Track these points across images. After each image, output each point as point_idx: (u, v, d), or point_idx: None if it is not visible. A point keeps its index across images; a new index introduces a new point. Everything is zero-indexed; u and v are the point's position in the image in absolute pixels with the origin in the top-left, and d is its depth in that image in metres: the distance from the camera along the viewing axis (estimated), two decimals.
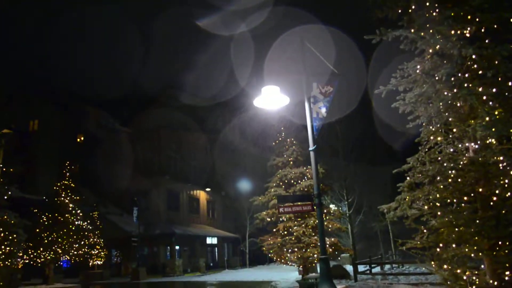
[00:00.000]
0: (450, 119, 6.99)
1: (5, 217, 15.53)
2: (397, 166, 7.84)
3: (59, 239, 19.98)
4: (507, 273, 5.99)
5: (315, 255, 14.54)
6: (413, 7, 7.12)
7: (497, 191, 6.23)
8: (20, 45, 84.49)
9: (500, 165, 6.27)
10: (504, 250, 6.02)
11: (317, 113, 9.42)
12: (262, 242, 16.65)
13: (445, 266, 6.58)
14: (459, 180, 6.53)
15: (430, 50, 6.97)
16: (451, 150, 7.06)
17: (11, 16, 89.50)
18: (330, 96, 9.44)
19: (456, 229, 6.34)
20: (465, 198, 6.58)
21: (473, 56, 6.48)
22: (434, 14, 6.85)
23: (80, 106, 37.77)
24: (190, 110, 37.17)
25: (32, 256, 19.41)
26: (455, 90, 6.63)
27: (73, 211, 21.43)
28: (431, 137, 7.29)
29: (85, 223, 22.01)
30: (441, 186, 6.72)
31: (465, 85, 6.54)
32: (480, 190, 6.36)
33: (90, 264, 23.21)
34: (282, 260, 15.95)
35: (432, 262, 6.77)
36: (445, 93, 6.78)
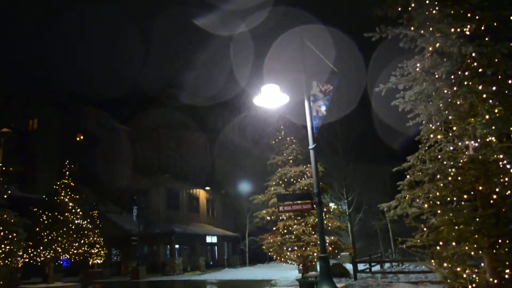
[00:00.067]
0: (450, 117, 6.98)
1: (5, 216, 15.51)
2: (396, 164, 7.84)
3: (59, 238, 19.97)
4: (507, 271, 6.00)
5: (315, 254, 14.54)
6: (412, 5, 7.11)
7: (497, 189, 6.23)
8: (20, 45, 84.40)
9: (500, 163, 6.27)
10: (504, 248, 6.02)
11: (317, 111, 9.41)
12: (262, 240, 16.65)
13: (445, 264, 6.58)
14: (459, 178, 6.54)
15: (430, 48, 6.96)
16: (451, 148, 7.06)
17: (11, 16, 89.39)
18: (330, 95, 9.43)
19: (456, 227, 6.35)
20: (465, 196, 6.59)
21: (473, 54, 6.48)
22: (434, 12, 6.85)
23: (80, 105, 37.77)
24: (190, 109, 37.16)
25: (32, 255, 19.40)
26: (455, 88, 6.62)
27: (73, 210, 21.40)
28: (431, 135, 7.29)
29: (85, 222, 21.99)
30: (441, 184, 6.72)
31: (465, 83, 6.54)
32: (480, 188, 6.36)
33: (90, 263, 23.19)
34: (282, 259, 15.95)
35: (432, 260, 6.77)
36: (445, 91, 6.77)
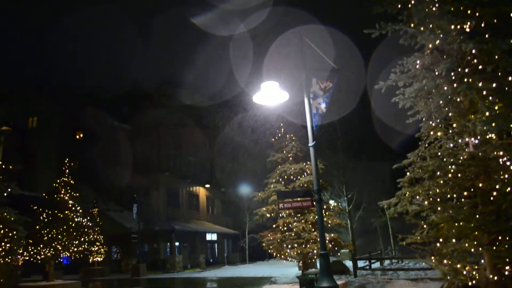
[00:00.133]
0: (450, 114, 6.97)
1: (5, 214, 15.49)
2: (396, 161, 7.84)
3: (59, 236, 19.93)
4: (507, 268, 6.00)
5: (315, 251, 14.55)
6: (412, 2, 7.09)
7: (497, 186, 6.23)
8: (20, 43, 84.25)
9: (500, 160, 6.27)
10: (504, 245, 6.02)
11: (316, 108, 9.38)
12: (261, 238, 16.66)
13: (445, 261, 6.58)
14: (459, 175, 6.54)
15: (430, 45, 6.95)
16: (451, 145, 7.05)
17: (11, 16, 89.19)
18: (329, 92, 9.39)
19: (456, 224, 6.35)
20: (465, 193, 6.59)
21: (473, 51, 6.46)
22: (433, 8, 6.83)
23: (80, 104, 37.70)
24: (189, 108, 37.14)
25: (32, 252, 19.37)
26: (455, 85, 6.61)
27: (73, 208, 21.36)
28: (431, 132, 7.28)
29: (85, 219, 21.96)
30: (441, 181, 6.72)
31: (465, 80, 6.53)
32: (480, 185, 6.36)
33: (90, 260, 23.16)
34: (282, 256, 15.95)
35: (432, 257, 6.78)
36: (445, 88, 6.76)
